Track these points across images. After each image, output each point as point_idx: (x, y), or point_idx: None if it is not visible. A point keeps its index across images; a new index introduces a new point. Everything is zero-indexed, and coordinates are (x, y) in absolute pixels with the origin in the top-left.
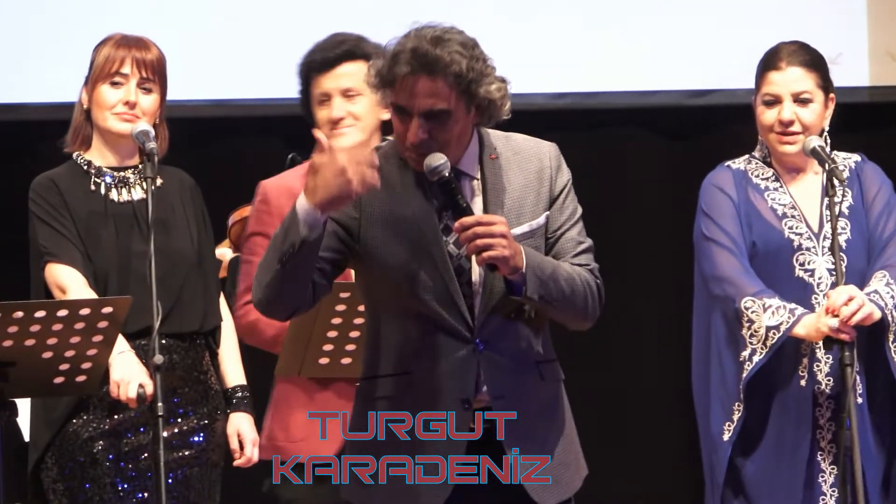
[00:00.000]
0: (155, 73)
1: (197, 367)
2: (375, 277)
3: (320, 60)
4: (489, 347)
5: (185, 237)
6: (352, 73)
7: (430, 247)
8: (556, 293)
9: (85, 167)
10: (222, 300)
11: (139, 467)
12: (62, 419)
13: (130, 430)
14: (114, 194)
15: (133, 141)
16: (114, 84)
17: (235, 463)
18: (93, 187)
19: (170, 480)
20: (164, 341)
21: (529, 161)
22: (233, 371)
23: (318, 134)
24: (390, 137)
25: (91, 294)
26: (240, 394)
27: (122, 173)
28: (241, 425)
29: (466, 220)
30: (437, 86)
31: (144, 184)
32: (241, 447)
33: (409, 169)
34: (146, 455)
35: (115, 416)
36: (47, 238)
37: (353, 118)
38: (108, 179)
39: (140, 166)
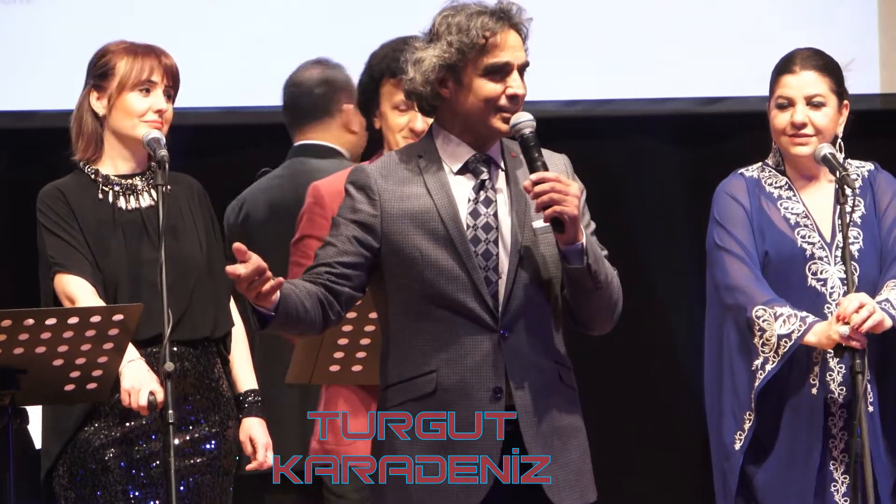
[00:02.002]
0: (175, 81)
1: (209, 374)
2: (398, 273)
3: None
4: (512, 337)
5: (195, 243)
6: None
7: (452, 236)
8: (602, 274)
9: (92, 176)
10: (233, 304)
11: (151, 475)
12: (74, 427)
13: (142, 438)
14: (122, 202)
15: (144, 148)
16: (143, 92)
17: (248, 467)
18: (100, 196)
19: (182, 488)
20: (175, 348)
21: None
22: (245, 376)
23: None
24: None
25: (100, 303)
26: (251, 398)
27: (129, 181)
28: (253, 430)
29: (546, 174)
30: (520, 40)
31: (153, 191)
32: (254, 452)
33: (428, 162)
34: (158, 462)
35: (127, 424)
36: (55, 248)
37: None
38: (116, 188)
39: (148, 173)
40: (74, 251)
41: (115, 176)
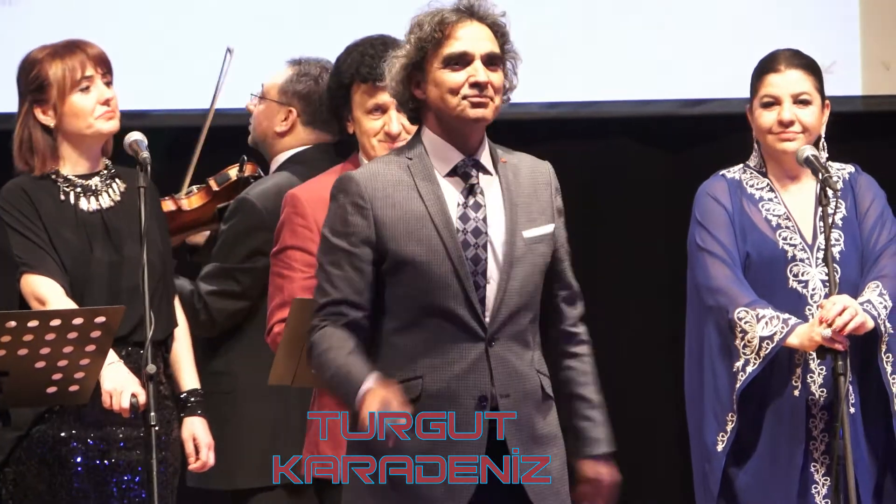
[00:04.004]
0: (108, 66)
1: (156, 376)
2: (390, 280)
3: (380, 73)
4: (498, 344)
5: (154, 245)
6: None
7: (445, 243)
8: None
9: (53, 177)
10: (177, 302)
11: (108, 472)
12: (27, 424)
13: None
14: (83, 204)
15: (127, 150)
16: (84, 90)
17: (191, 467)
18: (62, 197)
19: (124, 484)
20: (130, 348)
21: (533, 173)
22: (187, 375)
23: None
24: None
25: (72, 304)
26: (194, 398)
27: (87, 181)
28: (195, 429)
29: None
30: (486, 31)
31: (110, 190)
32: (197, 451)
33: (417, 166)
34: (113, 460)
35: (85, 421)
36: (22, 248)
37: (406, 132)
38: (78, 189)
39: (104, 172)
40: (41, 251)
41: (74, 176)
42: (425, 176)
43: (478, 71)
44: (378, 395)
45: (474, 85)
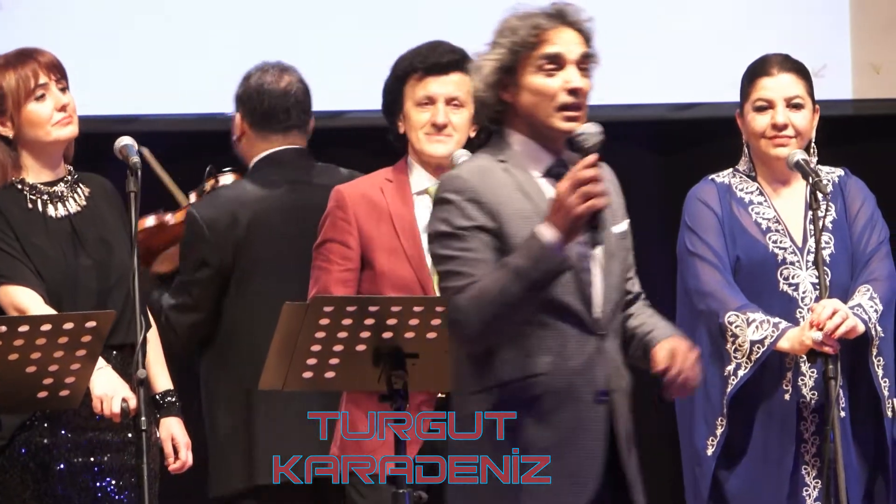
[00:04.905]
0: (62, 72)
1: (130, 380)
2: None
3: (432, 63)
4: (607, 339)
5: (123, 248)
6: (459, 83)
7: None
8: None
9: (19, 186)
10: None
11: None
12: (10, 432)
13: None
14: (51, 210)
15: (117, 154)
16: (39, 98)
17: (172, 468)
18: (30, 205)
19: (110, 488)
20: (107, 354)
21: (603, 171)
22: (160, 376)
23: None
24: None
25: (51, 312)
26: (169, 398)
27: (54, 188)
28: (173, 429)
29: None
30: (578, 37)
31: (76, 196)
32: (176, 452)
33: (513, 168)
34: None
35: (68, 425)
36: None
37: (453, 128)
38: (44, 196)
39: (68, 178)
40: (16, 261)
41: (40, 184)
42: (524, 177)
43: (572, 77)
44: (562, 192)
45: (570, 92)
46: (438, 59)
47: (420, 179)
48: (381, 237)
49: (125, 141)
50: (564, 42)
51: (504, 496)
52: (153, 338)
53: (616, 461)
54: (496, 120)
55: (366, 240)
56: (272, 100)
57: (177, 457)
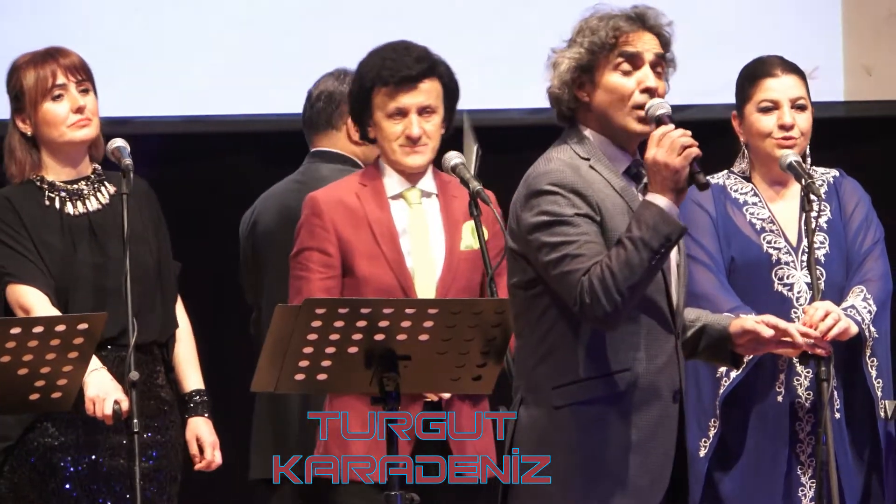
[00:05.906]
0: (86, 73)
1: (152, 379)
2: None
3: (401, 77)
4: (681, 338)
5: (145, 246)
6: (430, 91)
7: None
8: None
9: (38, 183)
10: (179, 304)
11: (98, 479)
12: (17, 434)
13: (93, 443)
14: (69, 208)
15: (109, 156)
16: (56, 98)
17: (197, 467)
18: (47, 202)
19: (128, 495)
20: (122, 353)
21: None
22: (190, 376)
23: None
24: None
25: (56, 313)
26: (198, 398)
27: (74, 186)
28: (199, 430)
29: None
30: (656, 41)
31: (99, 194)
32: (201, 451)
33: (599, 166)
34: (106, 468)
35: (75, 427)
36: (6, 258)
37: (428, 137)
38: (63, 194)
39: (93, 176)
40: (25, 260)
41: (61, 182)
42: (610, 175)
43: (647, 76)
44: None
45: (644, 91)
46: (408, 72)
47: (394, 183)
48: (360, 243)
49: (117, 143)
50: (642, 43)
51: (587, 495)
52: (185, 336)
53: (677, 462)
54: (569, 117)
55: (345, 246)
56: None
57: (202, 457)
